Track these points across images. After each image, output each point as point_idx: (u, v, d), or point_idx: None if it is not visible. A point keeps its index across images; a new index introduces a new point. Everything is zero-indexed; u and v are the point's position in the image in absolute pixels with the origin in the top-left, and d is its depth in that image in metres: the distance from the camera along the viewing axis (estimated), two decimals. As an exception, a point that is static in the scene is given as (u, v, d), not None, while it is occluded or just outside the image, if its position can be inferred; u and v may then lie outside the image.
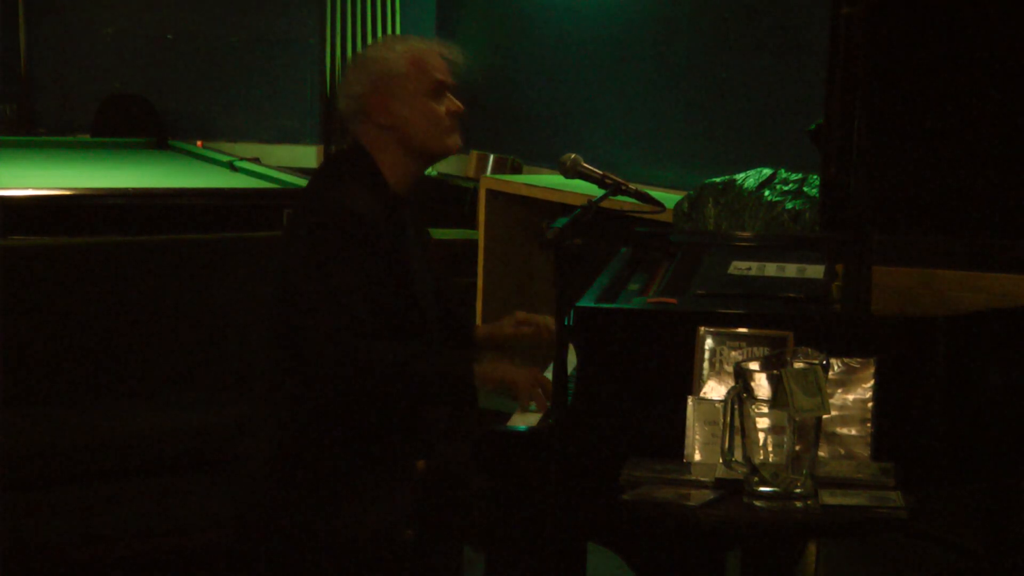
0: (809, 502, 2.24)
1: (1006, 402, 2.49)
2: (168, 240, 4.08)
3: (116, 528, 3.54)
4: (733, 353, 2.40)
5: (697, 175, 5.27)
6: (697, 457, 2.39)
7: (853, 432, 2.39)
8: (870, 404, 2.38)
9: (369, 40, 7.83)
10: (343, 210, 2.72)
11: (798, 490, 2.24)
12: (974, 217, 2.91)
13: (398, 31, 7.95)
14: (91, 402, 3.80)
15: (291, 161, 7.12)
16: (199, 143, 6.74)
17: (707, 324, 2.42)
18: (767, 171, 4.71)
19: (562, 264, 2.37)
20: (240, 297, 3.95)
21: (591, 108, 6.60)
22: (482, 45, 7.84)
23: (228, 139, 7.77)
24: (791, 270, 2.84)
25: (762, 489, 2.25)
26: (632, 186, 2.66)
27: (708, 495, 2.27)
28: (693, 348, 2.42)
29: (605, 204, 2.57)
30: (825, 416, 2.27)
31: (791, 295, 2.64)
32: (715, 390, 2.40)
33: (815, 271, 2.82)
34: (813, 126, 3.01)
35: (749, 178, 4.71)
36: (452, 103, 2.86)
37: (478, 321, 6.28)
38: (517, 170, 7.15)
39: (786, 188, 4.58)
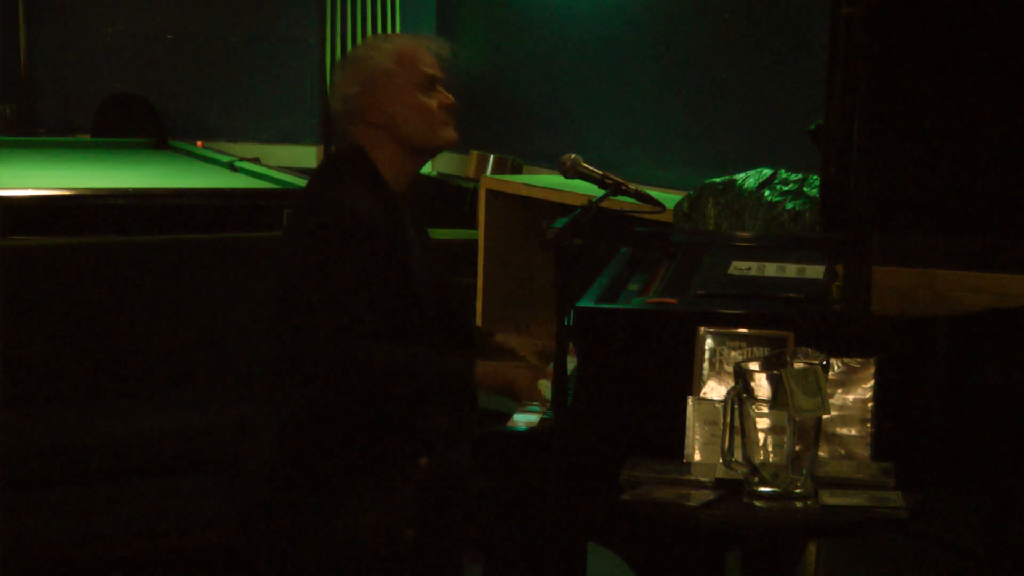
0: (809, 502, 2.24)
1: (1006, 402, 2.49)
2: (168, 240, 4.08)
3: (116, 528, 3.53)
4: (733, 353, 2.40)
5: (697, 175, 5.27)
6: (697, 457, 2.39)
7: (853, 432, 2.39)
8: (870, 404, 2.38)
9: (369, 40, 7.83)
10: (343, 210, 2.72)
11: (798, 490, 2.24)
12: (974, 217, 2.91)
13: (398, 31, 7.95)
14: (91, 402, 3.80)
15: (291, 161, 7.12)
16: (199, 143, 6.74)
17: (707, 324, 2.42)
18: (767, 171, 4.71)
19: (562, 264, 2.37)
20: (240, 297, 3.95)
21: (591, 108, 6.60)
22: (482, 45, 7.84)
23: (228, 139, 7.77)
24: (791, 270, 2.84)
25: (762, 489, 2.25)
26: (632, 186, 2.66)
27: (708, 495, 2.27)
28: (693, 348, 2.42)
29: (605, 204, 2.57)
30: (825, 416, 2.27)
31: (791, 295, 2.64)
32: (715, 390, 2.40)
33: (815, 271, 2.82)
34: (813, 126, 3.01)
35: (749, 178, 4.71)
36: (444, 96, 2.86)
37: (478, 322, 6.28)
38: (517, 170, 7.15)
39: (786, 188, 4.58)
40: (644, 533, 2.42)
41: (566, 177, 2.66)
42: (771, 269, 2.85)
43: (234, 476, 2.86)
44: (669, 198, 4.24)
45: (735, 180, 4.73)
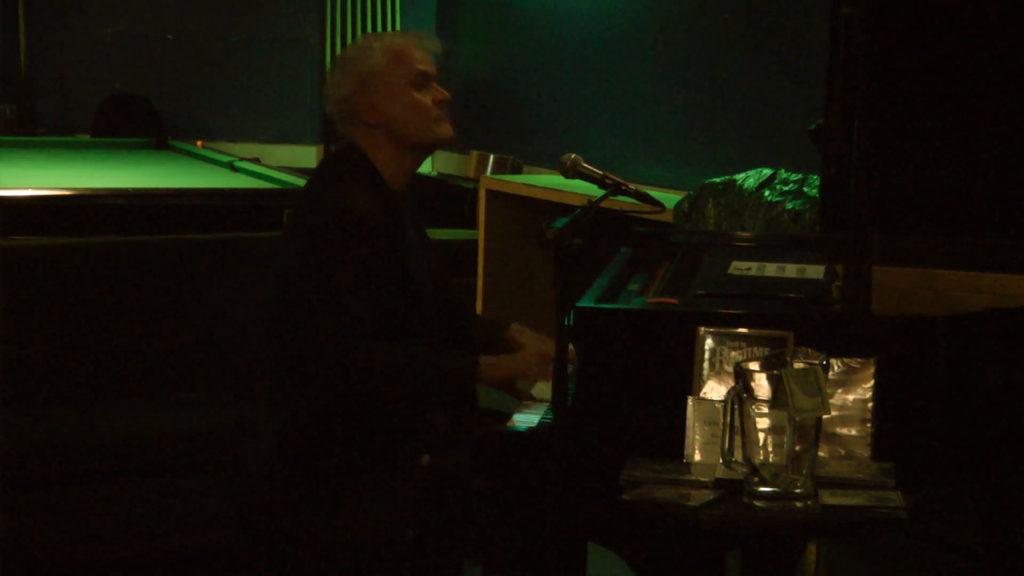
0: (809, 502, 2.24)
1: (1006, 402, 2.49)
2: (168, 240, 4.08)
3: (116, 528, 3.53)
4: (733, 353, 2.40)
5: (697, 175, 5.27)
6: (697, 457, 2.39)
7: (853, 432, 2.39)
8: (870, 404, 2.38)
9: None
10: (342, 210, 2.72)
11: (798, 490, 2.24)
12: (974, 217, 2.91)
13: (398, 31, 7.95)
14: (91, 402, 3.80)
15: (291, 161, 7.12)
16: (199, 143, 6.74)
17: (707, 324, 2.42)
18: (767, 171, 4.71)
19: (562, 264, 2.37)
20: (240, 297, 3.95)
21: (591, 108, 6.60)
22: (482, 45, 7.84)
23: (228, 139, 7.77)
24: (791, 270, 2.84)
25: (762, 489, 2.25)
26: (632, 186, 2.66)
27: (708, 495, 2.27)
28: (693, 348, 2.42)
29: (605, 204, 2.57)
30: (825, 416, 2.27)
31: (791, 295, 2.64)
32: (715, 390, 2.40)
33: (815, 271, 2.82)
34: (813, 126, 3.01)
35: (749, 178, 4.71)
36: (437, 92, 2.86)
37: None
38: (517, 170, 7.15)
39: (786, 188, 4.58)
40: (644, 533, 2.42)
41: (566, 177, 2.66)
42: (771, 269, 2.85)
43: (234, 476, 2.86)
44: (669, 198, 4.24)
45: (735, 180, 4.73)
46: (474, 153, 7.39)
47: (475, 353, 2.84)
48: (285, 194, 4.68)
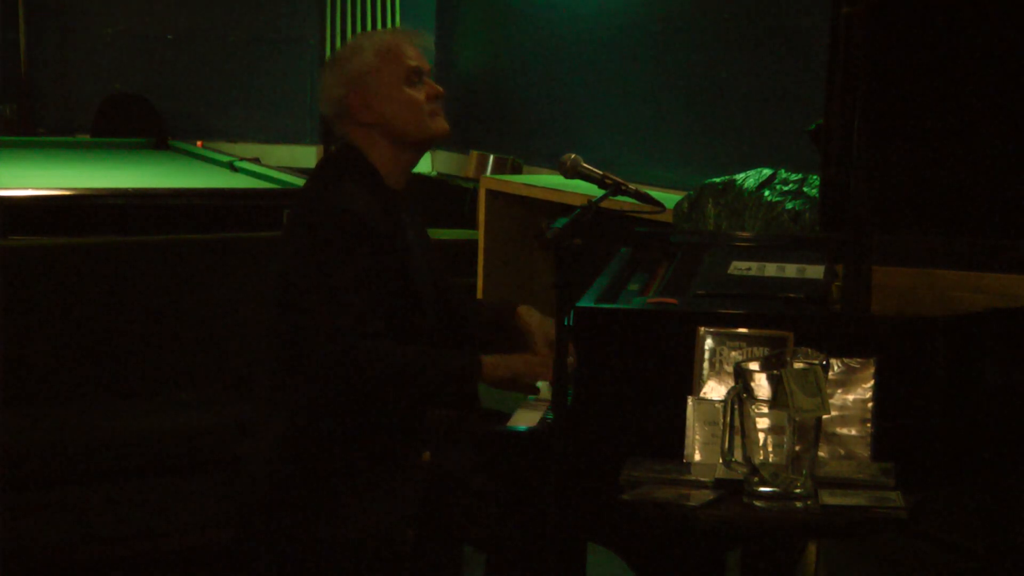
0: (809, 502, 2.24)
1: (1006, 402, 2.49)
2: (168, 240, 4.08)
3: (116, 528, 3.53)
4: (733, 353, 2.40)
5: (697, 175, 5.27)
6: (697, 457, 2.39)
7: (853, 432, 2.39)
8: (870, 404, 2.38)
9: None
10: (342, 210, 2.72)
11: (798, 490, 2.24)
12: (974, 217, 2.91)
13: (398, 31, 7.94)
14: (91, 402, 3.80)
15: (291, 161, 7.12)
16: (199, 143, 6.74)
17: (707, 324, 2.42)
18: (767, 171, 4.71)
19: (562, 264, 2.37)
20: (240, 297, 3.95)
21: (591, 108, 6.60)
22: (482, 45, 7.84)
23: (228, 139, 7.77)
24: (791, 270, 2.84)
25: (762, 489, 2.24)
26: (632, 186, 2.66)
27: (708, 495, 2.26)
28: (693, 348, 2.42)
29: (605, 204, 2.57)
30: (825, 416, 2.27)
31: (791, 295, 2.64)
32: (715, 390, 2.40)
33: (815, 271, 2.82)
34: (813, 126, 3.01)
35: (749, 178, 4.71)
36: (431, 87, 2.86)
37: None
38: (517, 170, 7.16)
39: (786, 188, 4.58)
40: (644, 533, 2.42)
41: (566, 177, 2.65)
42: (771, 269, 2.85)
43: (234, 476, 2.86)
44: (669, 198, 4.24)
45: (735, 180, 4.73)
46: (474, 153, 7.40)
47: (476, 352, 2.84)
48: (285, 194, 4.68)
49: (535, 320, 2.98)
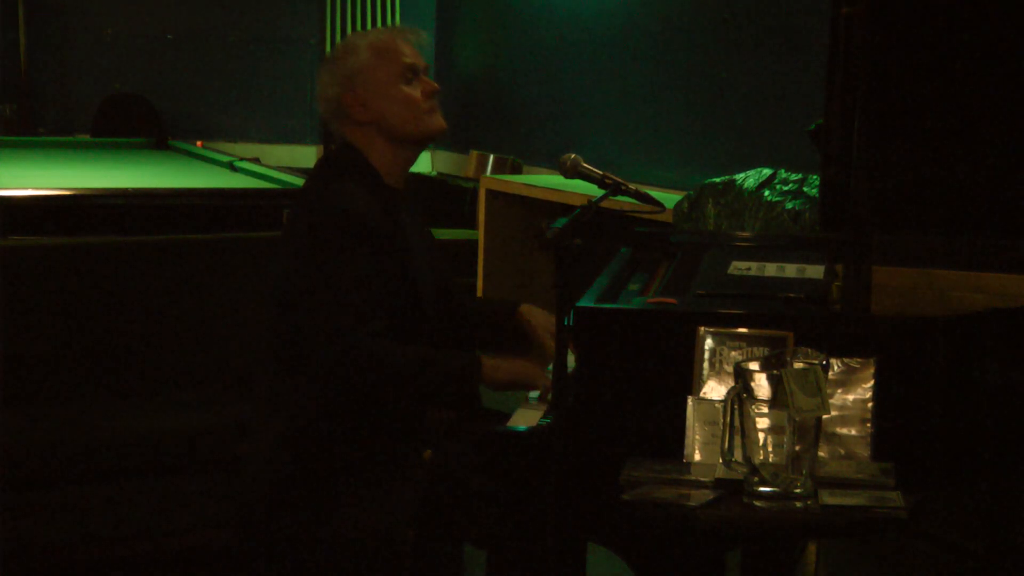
0: (809, 502, 2.24)
1: (1006, 402, 2.49)
2: (168, 240, 4.08)
3: (116, 528, 3.53)
4: (733, 353, 2.40)
5: (697, 175, 5.27)
6: (697, 457, 2.38)
7: (853, 432, 2.38)
8: (870, 404, 2.38)
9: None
10: (341, 209, 2.72)
11: (798, 490, 2.24)
12: (974, 217, 2.91)
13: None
14: (91, 402, 3.80)
15: (291, 161, 7.13)
16: (199, 143, 6.75)
17: (707, 324, 2.42)
18: (767, 171, 4.71)
19: (562, 264, 2.37)
20: (240, 297, 3.95)
21: (591, 108, 6.60)
22: (482, 45, 7.84)
23: (228, 139, 7.78)
24: (791, 270, 2.84)
25: (762, 489, 2.24)
26: (632, 186, 2.66)
27: (708, 495, 2.26)
28: (693, 348, 2.42)
29: (605, 204, 2.57)
30: (825, 416, 2.27)
31: (791, 295, 2.64)
32: (715, 390, 2.40)
33: (815, 271, 2.82)
34: (813, 126, 3.01)
35: (749, 178, 4.71)
36: (426, 84, 2.86)
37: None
38: (517, 170, 7.16)
39: (786, 188, 4.58)
40: (644, 533, 2.42)
41: (566, 177, 2.65)
42: (771, 269, 2.85)
43: (234, 476, 2.86)
44: (669, 198, 4.24)
45: (735, 180, 4.73)
46: (474, 153, 7.40)
47: (476, 354, 2.84)
48: (285, 194, 4.68)
49: (538, 319, 2.98)
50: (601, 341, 2.47)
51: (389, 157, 2.85)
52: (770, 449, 2.26)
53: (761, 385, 2.25)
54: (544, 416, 2.64)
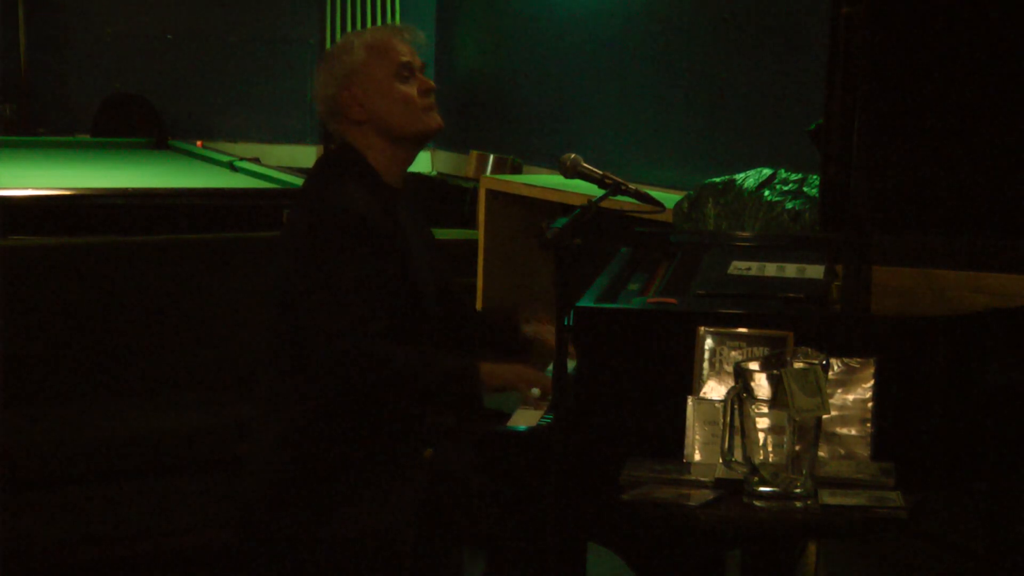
0: (809, 502, 2.24)
1: (1006, 402, 2.49)
2: (168, 240, 4.08)
3: (116, 528, 3.53)
4: (733, 353, 2.40)
5: (697, 175, 5.27)
6: (697, 457, 2.38)
7: (853, 432, 2.38)
8: (870, 404, 2.38)
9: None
10: (341, 209, 2.72)
11: (798, 490, 2.24)
12: (974, 217, 2.91)
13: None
14: (91, 402, 3.80)
15: (291, 161, 7.13)
16: (199, 143, 6.75)
17: (707, 324, 2.42)
18: (767, 171, 4.71)
19: (562, 264, 2.37)
20: (240, 297, 3.95)
21: (591, 108, 6.60)
22: (482, 45, 7.84)
23: (228, 139, 7.78)
24: (791, 270, 2.84)
25: (762, 489, 2.25)
26: (632, 186, 2.66)
27: (708, 495, 2.26)
28: (693, 348, 2.42)
29: (605, 204, 2.57)
30: (825, 416, 2.27)
31: (791, 295, 2.64)
32: (715, 390, 2.40)
33: (815, 271, 2.82)
34: (813, 126, 3.01)
35: (749, 178, 4.71)
36: (422, 82, 2.85)
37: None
38: (517, 170, 7.16)
39: (786, 188, 4.58)
40: (644, 533, 2.42)
41: (566, 177, 2.65)
42: (771, 269, 2.85)
43: (234, 476, 2.86)
44: (669, 198, 4.24)
45: (735, 180, 4.73)
46: (474, 153, 7.40)
47: (475, 357, 2.84)
48: (285, 194, 4.68)
49: (544, 328, 2.99)
50: (601, 341, 2.47)
51: (387, 156, 2.84)
52: (770, 449, 2.26)
53: (761, 385, 2.25)
54: (544, 416, 2.64)
